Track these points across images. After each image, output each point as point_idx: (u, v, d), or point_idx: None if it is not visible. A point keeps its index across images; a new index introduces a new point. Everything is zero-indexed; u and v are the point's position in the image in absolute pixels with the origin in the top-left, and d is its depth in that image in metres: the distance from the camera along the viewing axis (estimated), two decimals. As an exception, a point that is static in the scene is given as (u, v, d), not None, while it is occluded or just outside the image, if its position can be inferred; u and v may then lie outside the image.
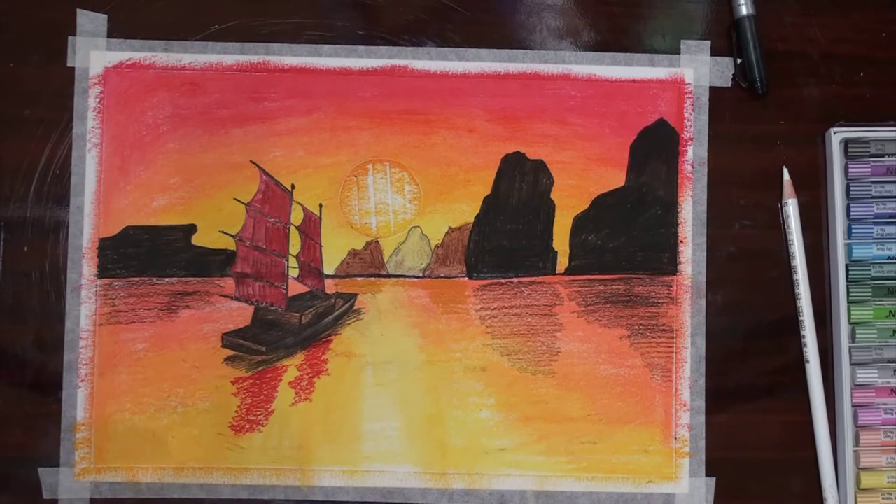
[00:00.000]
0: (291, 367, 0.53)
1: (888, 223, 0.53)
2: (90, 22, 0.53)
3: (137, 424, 0.53)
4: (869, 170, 0.53)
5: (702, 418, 0.53)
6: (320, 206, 0.54)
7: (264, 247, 0.54)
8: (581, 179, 0.54)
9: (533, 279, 0.54)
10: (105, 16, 0.54)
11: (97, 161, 0.53)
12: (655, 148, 0.54)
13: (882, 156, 0.53)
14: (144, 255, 0.53)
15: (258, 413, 0.53)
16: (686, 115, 0.54)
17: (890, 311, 0.53)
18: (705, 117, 0.54)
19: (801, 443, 0.53)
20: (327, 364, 0.53)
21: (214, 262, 0.53)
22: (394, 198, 0.54)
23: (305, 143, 0.54)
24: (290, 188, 0.54)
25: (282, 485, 0.53)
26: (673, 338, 0.53)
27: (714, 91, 0.54)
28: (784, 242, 0.54)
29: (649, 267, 0.54)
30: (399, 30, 0.54)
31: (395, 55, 0.54)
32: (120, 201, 0.53)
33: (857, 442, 0.53)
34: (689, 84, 0.54)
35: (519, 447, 0.53)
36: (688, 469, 0.53)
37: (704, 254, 0.54)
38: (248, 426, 0.53)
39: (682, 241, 0.54)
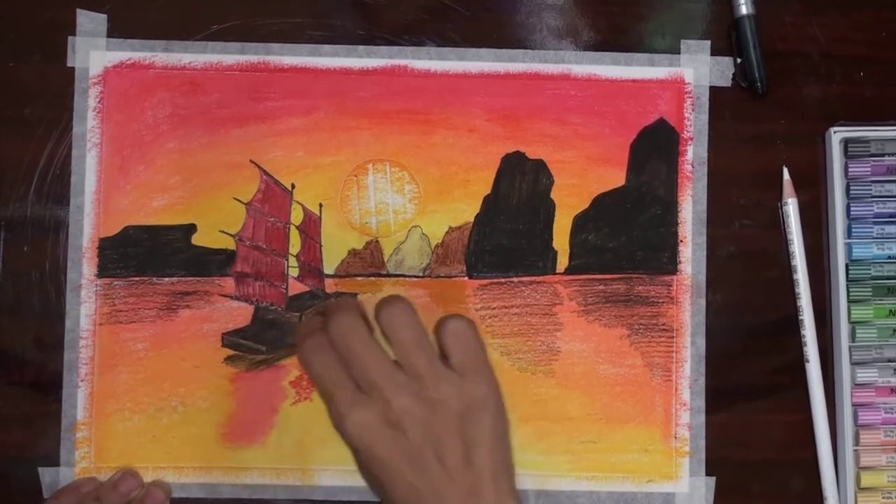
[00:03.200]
0: (292, 366, 0.53)
1: (888, 222, 0.53)
2: (90, 22, 0.53)
3: (137, 424, 0.53)
4: (869, 169, 0.53)
5: (702, 418, 0.53)
6: (320, 205, 0.54)
7: (264, 246, 0.54)
8: (581, 179, 0.54)
9: (533, 279, 0.54)
10: (105, 16, 0.54)
11: (97, 161, 0.53)
12: (655, 147, 0.54)
13: (882, 155, 0.53)
14: (144, 254, 0.53)
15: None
16: (686, 114, 0.54)
17: (890, 311, 0.53)
18: (705, 117, 0.54)
19: (801, 442, 0.53)
20: (327, 364, 0.53)
21: (214, 262, 0.53)
22: (394, 197, 0.54)
23: (305, 143, 0.54)
24: (290, 188, 0.54)
25: (282, 484, 0.53)
26: (673, 337, 0.53)
27: (714, 91, 0.54)
28: (784, 242, 0.54)
29: (649, 266, 0.54)
30: (399, 29, 0.54)
31: (395, 55, 0.54)
32: (120, 201, 0.53)
33: (857, 441, 0.53)
34: (689, 84, 0.54)
35: (519, 446, 0.53)
36: (688, 468, 0.53)
37: (704, 253, 0.54)
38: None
39: (681, 241, 0.54)
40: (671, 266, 0.54)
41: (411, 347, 0.43)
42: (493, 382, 0.45)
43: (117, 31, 0.54)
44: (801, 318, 0.53)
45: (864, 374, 0.52)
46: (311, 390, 0.53)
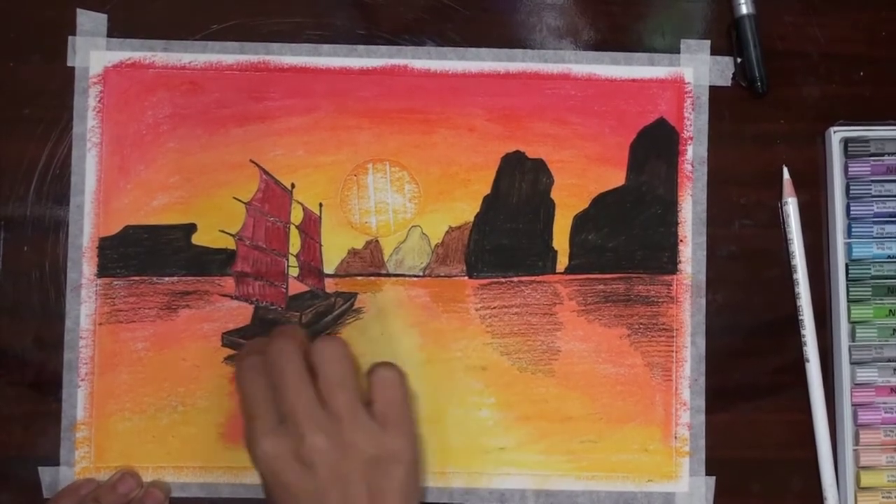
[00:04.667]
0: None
1: (888, 222, 0.53)
2: (90, 21, 0.53)
3: (137, 424, 0.53)
4: (869, 169, 0.53)
5: (702, 417, 0.53)
6: (320, 205, 0.54)
7: (264, 246, 0.54)
8: (581, 178, 0.54)
9: (533, 278, 0.54)
10: (105, 15, 0.54)
11: (97, 160, 0.53)
12: (655, 147, 0.54)
13: (882, 155, 0.53)
14: (144, 254, 0.53)
15: (258, 412, 0.53)
16: (686, 114, 0.54)
17: (890, 310, 0.53)
18: (705, 116, 0.54)
19: (801, 442, 0.53)
20: (327, 363, 0.53)
21: (214, 262, 0.53)
22: (394, 197, 0.54)
23: (305, 143, 0.54)
24: (289, 187, 0.54)
25: (282, 484, 0.53)
26: (673, 337, 0.53)
27: (714, 90, 0.54)
28: (784, 241, 0.54)
29: (649, 266, 0.54)
30: (399, 29, 0.54)
31: (394, 54, 0.54)
32: (120, 200, 0.53)
33: (857, 441, 0.53)
34: (688, 83, 0.54)
35: (519, 446, 0.53)
36: (688, 468, 0.53)
37: (704, 253, 0.54)
38: (248, 425, 0.53)
39: (681, 241, 0.54)
40: (671, 266, 0.54)
41: (335, 386, 0.44)
42: (412, 436, 0.45)
43: (117, 30, 0.54)
44: (800, 317, 0.53)
45: (864, 374, 0.52)
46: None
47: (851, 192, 0.53)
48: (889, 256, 0.53)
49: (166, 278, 0.53)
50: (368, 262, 0.54)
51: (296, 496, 0.43)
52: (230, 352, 0.53)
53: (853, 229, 0.53)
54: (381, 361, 0.46)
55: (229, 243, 0.53)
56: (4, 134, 0.53)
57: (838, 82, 0.55)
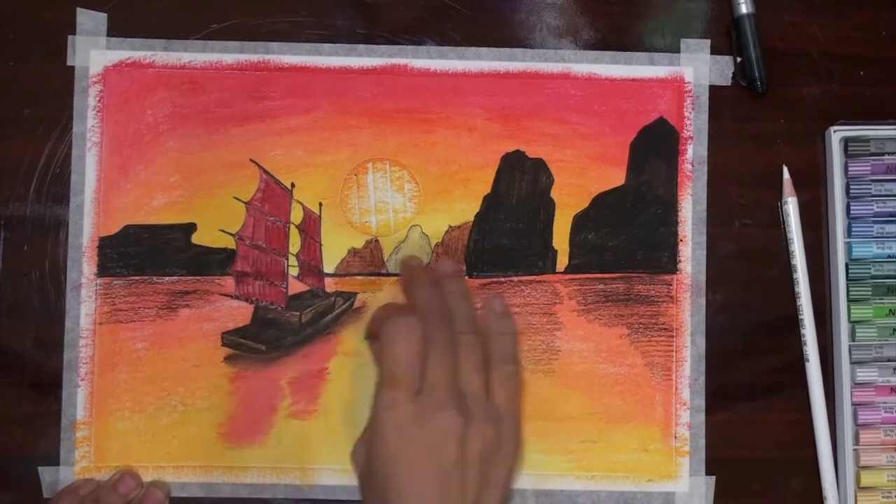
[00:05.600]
0: (292, 365, 0.53)
1: (888, 222, 0.53)
2: (90, 21, 0.53)
3: (137, 423, 0.53)
4: (869, 168, 0.53)
5: (702, 417, 0.53)
6: (320, 204, 0.54)
7: (264, 245, 0.54)
8: (581, 178, 0.54)
9: (533, 278, 0.54)
10: (105, 15, 0.54)
11: (97, 160, 0.53)
12: (655, 147, 0.54)
13: (882, 154, 0.53)
14: (144, 253, 0.53)
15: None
16: (686, 113, 0.54)
17: (890, 310, 0.53)
18: (705, 116, 0.54)
19: (801, 441, 0.53)
20: (327, 363, 0.53)
21: (214, 261, 0.53)
22: (393, 196, 0.54)
23: (305, 142, 0.54)
24: (289, 187, 0.54)
25: (282, 484, 0.53)
26: (673, 336, 0.53)
27: (714, 90, 0.54)
28: (784, 241, 0.54)
29: (649, 266, 0.54)
30: (399, 28, 0.54)
31: (394, 54, 0.54)
32: (120, 200, 0.53)
33: (857, 440, 0.53)
34: (688, 83, 0.54)
35: (519, 446, 0.53)
36: (688, 468, 0.53)
37: (704, 252, 0.54)
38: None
39: (681, 240, 0.54)
40: (671, 265, 0.54)
41: (505, 378, 0.44)
42: (521, 434, 0.45)
43: (117, 30, 0.54)
44: (800, 317, 0.53)
45: (864, 374, 0.52)
46: (307, 393, 0.53)
47: (851, 191, 0.53)
48: (889, 256, 0.53)
49: (166, 278, 0.53)
50: (368, 262, 0.54)
51: (419, 476, 0.41)
52: (230, 351, 0.53)
53: (853, 229, 0.53)
54: (502, 355, 0.45)
55: (229, 243, 0.53)
56: (4, 134, 0.53)
57: (838, 82, 0.55)
